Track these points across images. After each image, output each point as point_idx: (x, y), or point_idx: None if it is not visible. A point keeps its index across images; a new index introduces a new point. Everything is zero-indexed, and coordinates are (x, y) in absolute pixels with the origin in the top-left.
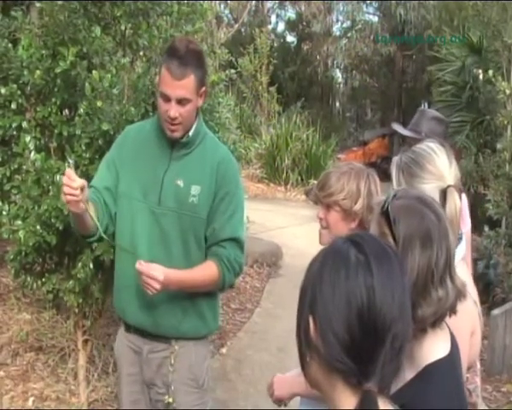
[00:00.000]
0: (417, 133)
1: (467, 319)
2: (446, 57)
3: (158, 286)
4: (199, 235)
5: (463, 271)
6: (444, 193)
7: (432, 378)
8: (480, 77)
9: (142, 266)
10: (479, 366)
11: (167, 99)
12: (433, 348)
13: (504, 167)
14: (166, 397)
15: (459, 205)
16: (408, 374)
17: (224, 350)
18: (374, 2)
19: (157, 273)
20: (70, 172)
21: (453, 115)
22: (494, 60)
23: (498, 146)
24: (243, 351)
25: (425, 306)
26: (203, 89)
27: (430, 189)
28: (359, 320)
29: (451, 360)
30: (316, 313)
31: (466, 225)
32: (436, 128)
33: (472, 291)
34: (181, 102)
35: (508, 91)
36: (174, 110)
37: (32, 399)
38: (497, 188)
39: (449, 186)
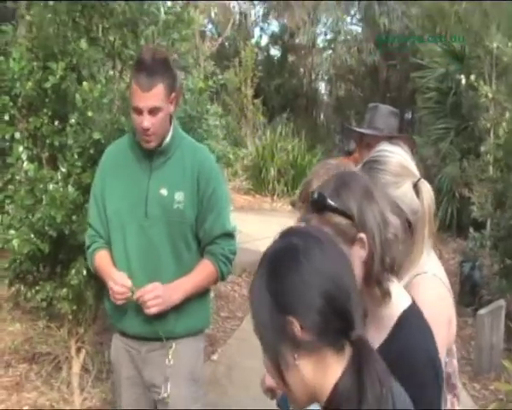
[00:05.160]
0: (377, 130)
1: (444, 306)
2: (429, 64)
3: (158, 299)
4: (188, 239)
5: (435, 260)
6: (416, 186)
7: (411, 321)
8: (463, 82)
9: (136, 293)
10: (454, 349)
11: (139, 112)
12: (399, 298)
13: (488, 171)
14: (162, 391)
15: (433, 195)
16: (382, 335)
17: (215, 357)
18: (358, 14)
19: (150, 286)
20: (123, 279)
21: (437, 122)
22: (476, 66)
23: (482, 149)
24: (233, 357)
25: (389, 252)
26: (173, 95)
27: (407, 188)
28: (333, 287)
29: (417, 308)
30: (294, 311)
31: None
32: (393, 123)
33: (445, 280)
34: (152, 111)
35: (490, 95)
36: (147, 121)
37: (25, 408)
38: (481, 191)
39: (419, 179)
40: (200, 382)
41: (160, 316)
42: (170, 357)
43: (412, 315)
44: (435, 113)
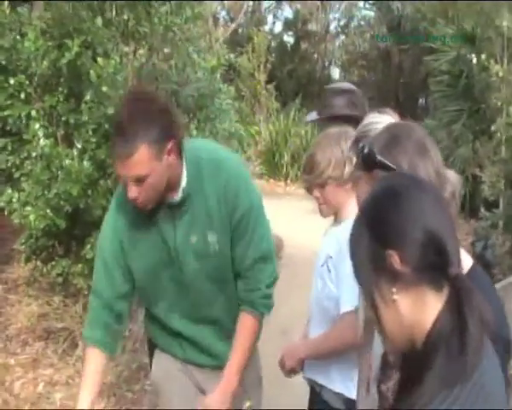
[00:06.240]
0: (319, 114)
1: None
2: (441, 48)
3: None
4: (231, 270)
5: None
6: None
7: (477, 279)
8: (474, 61)
9: None
10: None
11: (123, 179)
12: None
13: (500, 153)
14: (245, 401)
15: None
16: None
17: None
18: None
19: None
20: None
21: (450, 105)
22: (488, 48)
23: (493, 128)
24: None
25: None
26: (170, 145)
27: None
28: (433, 224)
29: (479, 268)
30: (393, 244)
31: None
32: (337, 101)
33: None
34: (138, 180)
35: (501, 74)
36: (132, 191)
37: (42, 384)
38: (492, 169)
39: None
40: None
41: (223, 350)
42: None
43: (475, 277)
44: (447, 96)
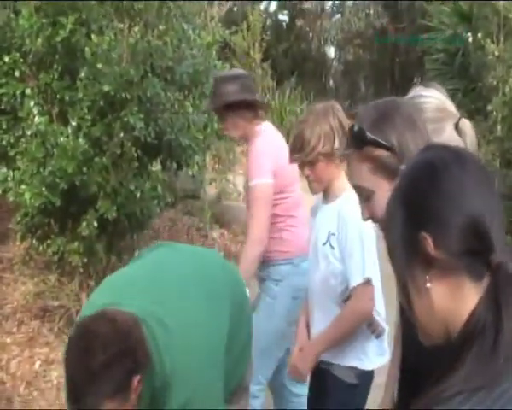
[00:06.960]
0: (212, 103)
1: None
2: (438, 26)
3: None
4: None
5: None
6: (457, 127)
7: None
8: (470, 40)
9: None
10: None
11: None
12: None
13: (496, 132)
14: None
15: (474, 133)
16: None
17: None
18: None
19: None
20: None
21: (445, 83)
22: (484, 26)
23: (489, 108)
24: None
25: None
26: (135, 381)
27: (450, 132)
28: (473, 205)
29: None
30: (428, 226)
31: None
32: (229, 88)
33: None
34: None
35: (497, 53)
36: None
37: (38, 362)
38: (487, 148)
39: (460, 118)
40: None
41: None
42: None
43: None
44: (443, 74)
